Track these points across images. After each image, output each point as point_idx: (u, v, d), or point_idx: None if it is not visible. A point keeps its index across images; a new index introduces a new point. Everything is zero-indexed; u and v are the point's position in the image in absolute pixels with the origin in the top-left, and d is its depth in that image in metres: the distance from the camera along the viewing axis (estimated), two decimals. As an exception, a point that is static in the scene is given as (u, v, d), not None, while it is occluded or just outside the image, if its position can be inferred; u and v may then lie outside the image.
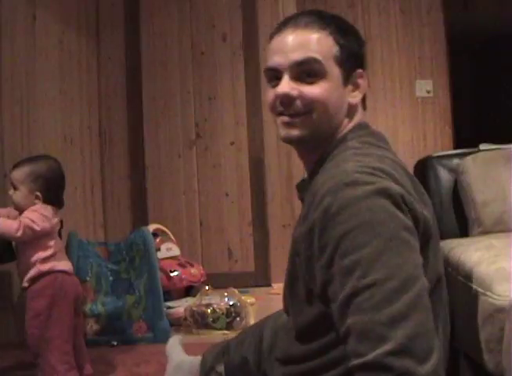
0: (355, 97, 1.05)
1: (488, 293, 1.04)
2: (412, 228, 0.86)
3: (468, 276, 1.40)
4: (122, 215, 4.06)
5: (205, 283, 3.13)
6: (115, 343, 2.59)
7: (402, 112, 4.08)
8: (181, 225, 3.98)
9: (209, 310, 2.72)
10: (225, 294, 2.79)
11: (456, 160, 2.25)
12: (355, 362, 0.78)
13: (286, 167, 3.94)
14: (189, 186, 4.03)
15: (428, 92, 4.04)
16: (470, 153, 2.24)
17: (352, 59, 1.04)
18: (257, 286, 3.84)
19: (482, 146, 2.28)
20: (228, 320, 2.71)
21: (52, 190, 1.89)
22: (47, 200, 1.87)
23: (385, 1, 4.17)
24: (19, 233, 1.78)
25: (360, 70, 1.05)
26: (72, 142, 3.57)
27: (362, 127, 1.06)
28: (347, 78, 1.04)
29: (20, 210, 1.86)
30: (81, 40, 3.80)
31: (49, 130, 3.27)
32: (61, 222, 2.60)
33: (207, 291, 2.85)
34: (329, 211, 0.86)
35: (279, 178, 3.94)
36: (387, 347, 0.75)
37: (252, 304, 3.10)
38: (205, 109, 4.04)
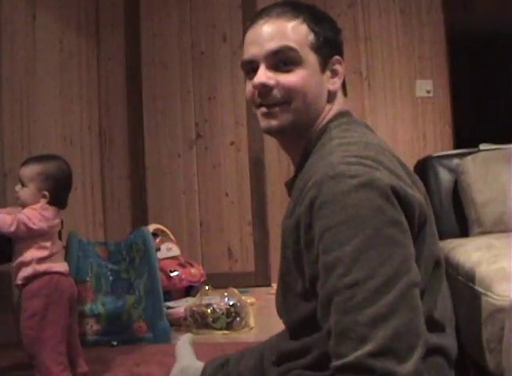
0: (334, 84, 1.04)
1: (488, 293, 1.04)
2: (400, 221, 0.83)
3: (468, 276, 1.40)
4: (122, 215, 4.06)
5: (205, 283, 3.13)
6: (115, 343, 2.58)
7: (402, 112, 4.08)
8: (181, 225, 3.98)
9: (209, 310, 2.72)
10: (225, 294, 2.79)
11: (456, 160, 2.25)
12: (336, 363, 0.77)
13: (286, 167, 3.94)
14: (189, 185, 4.03)
15: (428, 92, 4.04)
16: (470, 153, 2.24)
17: (328, 46, 1.03)
18: (257, 286, 3.84)
19: (482, 146, 2.28)
20: (228, 320, 2.71)
21: (59, 191, 1.90)
22: (52, 201, 1.87)
23: (385, 1, 4.17)
24: (12, 228, 1.78)
25: (337, 57, 1.05)
26: (72, 142, 3.57)
27: (344, 114, 1.05)
28: (325, 65, 1.03)
29: (24, 207, 1.86)
30: (81, 40, 3.80)
31: (49, 130, 3.27)
32: (61, 222, 2.61)
33: (207, 291, 2.85)
34: (313, 205, 0.85)
35: (279, 179, 3.94)
36: (368, 348, 0.74)
37: (252, 304, 3.10)
38: (205, 109, 4.04)
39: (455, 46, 4.28)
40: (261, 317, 3.00)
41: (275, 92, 1.00)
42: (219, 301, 2.75)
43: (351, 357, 0.75)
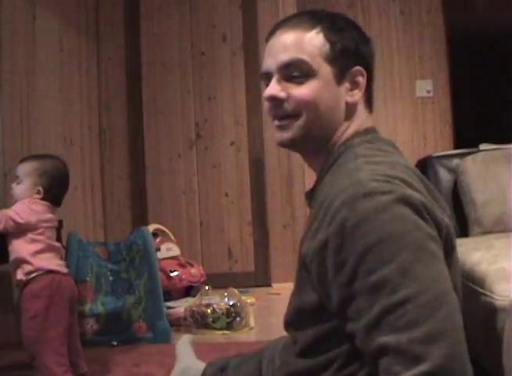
0: (352, 96, 1.00)
1: (488, 293, 1.04)
2: (436, 237, 0.82)
3: (468, 276, 1.40)
4: (122, 215, 4.06)
5: (205, 283, 3.13)
6: (115, 343, 2.58)
7: (402, 112, 4.09)
8: (181, 225, 3.98)
9: (209, 310, 2.72)
10: (225, 294, 2.79)
11: (456, 160, 2.25)
12: None
13: (286, 167, 3.94)
14: (189, 186, 4.03)
15: (428, 92, 4.04)
16: (470, 153, 2.24)
17: (346, 56, 0.99)
18: (257, 286, 3.84)
19: (482, 146, 2.28)
20: (228, 320, 2.71)
21: (53, 189, 1.90)
22: (46, 197, 1.88)
23: (385, 1, 4.17)
24: (0, 226, 1.79)
25: (358, 68, 1.00)
26: (72, 142, 3.57)
27: (369, 131, 1.02)
28: (342, 76, 0.99)
29: None
30: (80, 40, 3.80)
31: (49, 130, 3.27)
32: (61, 221, 2.60)
33: (207, 291, 2.85)
34: (345, 225, 0.82)
35: (279, 178, 3.94)
36: (424, 367, 0.72)
37: (252, 304, 3.10)
38: (205, 109, 4.04)
39: (455, 46, 4.28)
40: (261, 317, 3.00)
41: (286, 104, 1.00)
42: (219, 301, 2.75)
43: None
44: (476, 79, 6.33)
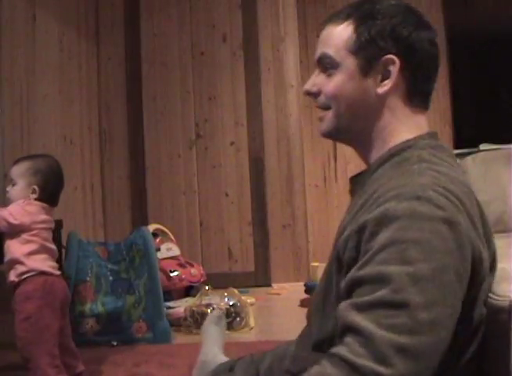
0: (382, 86, 0.95)
1: (488, 293, 1.05)
2: (463, 276, 0.80)
3: (468, 276, 1.40)
4: (122, 215, 4.06)
5: (205, 283, 3.13)
6: (115, 343, 2.58)
7: (402, 112, 4.08)
8: (181, 225, 3.98)
9: (209, 310, 2.72)
10: (225, 294, 2.79)
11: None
12: (346, 353, 0.75)
13: (286, 167, 3.94)
14: (189, 186, 4.03)
15: (428, 92, 4.04)
16: (470, 153, 2.24)
17: (375, 46, 0.94)
18: (257, 286, 3.84)
19: (482, 146, 2.28)
20: (228, 320, 2.71)
21: (48, 187, 1.90)
22: (42, 197, 1.87)
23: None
24: None
25: (389, 56, 0.93)
26: (72, 142, 3.57)
27: (432, 136, 0.98)
28: (370, 67, 0.95)
29: None
30: (80, 40, 3.80)
31: (49, 130, 3.27)
32: (61, 221, 2.60)
33: (207, 291, 2.85)
34: (387, 214, 0.81)
35: (279, 178, 3.94)
36: (383, 370, 0.72)
37: (252, 304, 3.10)
38: (205, 109, 4.04)
39: (455, 46, 4.28)
40: (261, 317, 3.00)
41: (321, 97, 1.00)
42: (219, 301, 2.75)
43: (363, 363, 0.73)
44: (476, 79, 6.33)
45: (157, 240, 3.13)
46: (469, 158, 2.18)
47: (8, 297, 1.88)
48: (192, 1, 4.08)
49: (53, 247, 1.93)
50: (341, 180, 4.53)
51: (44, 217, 1.88)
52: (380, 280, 0.77)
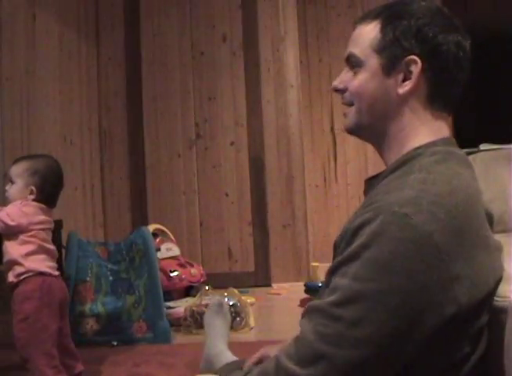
0: (403, 87, 0.94)
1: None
2: (419, 297, 0.78)
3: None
4: (122, 215, 4.06)
5: (205, 283, 3.13)
6: (115, 343, 2.58)
7: (402, 112, 4.08)
8: (181, 225, 3.98)
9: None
10: (225, 294, 2.79)
11: (456, 161, 2.24)
12: (281, 351, 0.82)
13: (286, 167, 3.94)
14: (189, 186, 4.03)
15: (428, 92, 4.04)
16: (470, 153, 2.23)
17: (399, 46, 0.94)
18: (257, 286, 3.84)
19: (482, 146, 2.28)
20: (228, 320, 2.71)
21: (46, 188, 1.89)
22: (40, 197, 1.87)
23: (385, 1, 4.16)
24: None
25: (411, 57, 0.92)
26: (72, 142, 3.57)
27: (446, 142, 0.96)
28: (392, 67, 0.95)
29: None
30: (80, 40, 3.80)
31: (49, 130, 3.27)
32: (61, 221, 2.60)
33: (207, 291, 2.85)
34: (362, 226, 0.83)
35: (279, 179, 3.94)
36: (297, 370, 0.78)
37: (252, 304, 3.10)
38: (205, 109, 4.04)
39: (455, 46, 4.27)
40: (261, 317, 3.00)
41: (347, 94, 1.02)
42: (219, 301, 2.75)
43: (284, 363, 0.80)
44: (476, 79, 6.33)
45: (157, 240, 3.13)
46: (469, 158, 2.18)
47: (8, 297, 1.89)
48: (192, 1, 4.08)
49: (52, 247, 1.93)
50: (341, 180, 4.53)
51: (42, 218, 1.87)
52: (333, 290, 0.82)
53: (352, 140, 4.04)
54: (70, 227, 2.95)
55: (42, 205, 1.88)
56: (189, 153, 4.04)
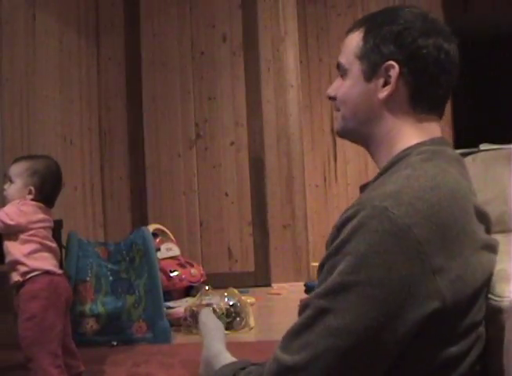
0: (382, 92, 0.96)
1: (488, 294, 1.05)
2: (399, 288, 0.79)
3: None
4: (122, 215, 4.06)
5: (205, 283, 3.13)
6: (115, 343, 2.59)
7: (402, 112, 4.09)
8: (181, 226, 3.98)
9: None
10: (225, 294, 2.79)
11: (456, 161, 2.24)
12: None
13: (286, 167, 3.94)
14: (189, 186, 4.03)
15: (428, 92, 4.05)
16: (470, 153, 2.24)
17: (378, 52, 0.96)
18: (257, 286, 3.84)
19: (482, 146, 2.28)
20: (228, 320, 2.71)
21: (45, 189, 1.89)
22: (38, 198, 1.87)
23: (385, 1, 4.17)
24: None
25: (390, 62, 0.95)
26: (72, 142, 3.57)
27: (435, 141, 0.97)
28: (373, 72, 0.97)
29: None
30: (80, 40, 3.80)
31: (49, 130, 3.27)
32: (61, 221, 2.60)
33: (207, 291, 2.85)
34: (346, 221, 0.85)
35: (279, 179, 3.94)
36: (286, 358, 0.82)
37: (252, 304, 3.10)
38: (205, 109, 4.04)
39: (455, 46, 4.27)
40: (261, 317, 3.00)
41: (337, 100, 1.06)
42: (219, 301, 2.75)
43: (277, 351, 0.85)
44: (476, 79, 6.33)
45: (157, 240, 3.13)
46: (469, 158, 2.18)
47: (8, 297, 1.88)
48: (192, 1, 4.08)
49: (54, 245, 1.93)
50: (341, 180, 4.53)
51: (41, 216, 1.88)
52: (319, 284, 0.86)
53: (352, 140, 4.04)
54: (70, 227, 2.95)
55: (41, 204, 1.88)
56: (189, 153, 4.05)
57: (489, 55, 6.15)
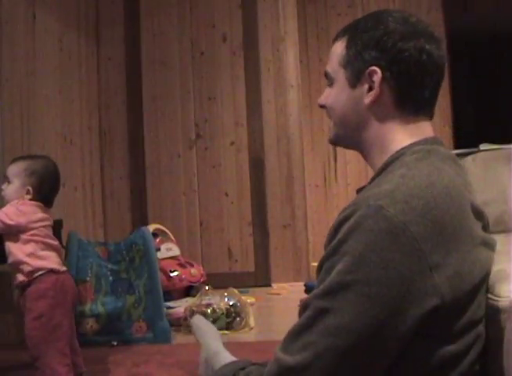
0: (368, 97, 0.97)
1: (488, 294, 1.05)
2: (397, 285, 0.79)
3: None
4: (122, 215, 4.06)
5: (205, 283, 3.13)
6: (115, 343, 2.59)
7: (402, 112, 4.08)
8: (181, 225, 3.98)
9: (209, 310, 2.72)
10: (225, 294, 2.79)
11: (456, 160, 2.24)
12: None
13: (286, 167, 3.94)
14: (189, 186, 4.03)
15: (428, 92, 4.04)
16: (470, 153, 2.24)
17: (361, 58, 0.98)
18: (257, 286, 3.84)
19: (482, 146, 2.28)
20: (228, 320, 2.71)
21: (43, 189, 1.89)
22: (36, 198, 1.87)
23: (385, 1, 4.17)
24: None
25: (372, 68, 0.96)
26: (72, 142, 3.57)
27: (429, 141, 0.98)
28: (357, 79, 0.99)
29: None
30: (80, 40, 3.80)
31: (49, 130, 3.27)
32: (61, 221, 2.60)
33: (207, 291, 2.85)
34: (342, 221, 0.86)
35: (279, 178, 3.94)
36: (287, 358, 0.82)
37: (252, 304, 3.10)
38: (205, 109, 4.04)
39: (455, 46, 4.28)
40: (261, 317, 3.00)
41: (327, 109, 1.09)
42: (219, 301, 2.75)
43: (277, 352, 0.85)
44: (476, 79, 6.33)
45: (157, 240, 3.13)
46: (469, 158, 2.18)
47: (7, 297, 1.88)
48: (192, 1, 4.08)
49: (56, 242, 1.93)
50: (341, 180, 4.53)
51: (40, 215, 1.87)
52: (318, 285, 0.86)
53: (352, 140, 4.04)
54: (70, 227, 2.95)
55: (39, 203, 1.88)
56: (189, 153, 4.05)
57: (489, 54, 6.15)
